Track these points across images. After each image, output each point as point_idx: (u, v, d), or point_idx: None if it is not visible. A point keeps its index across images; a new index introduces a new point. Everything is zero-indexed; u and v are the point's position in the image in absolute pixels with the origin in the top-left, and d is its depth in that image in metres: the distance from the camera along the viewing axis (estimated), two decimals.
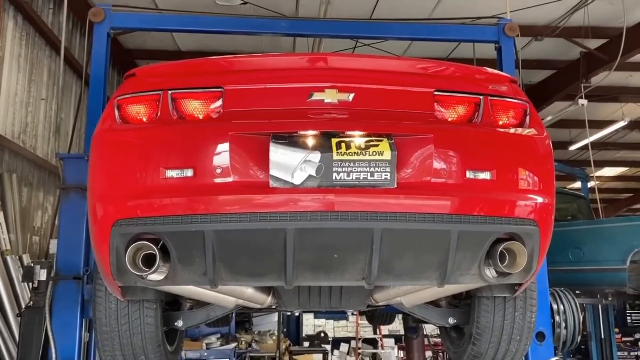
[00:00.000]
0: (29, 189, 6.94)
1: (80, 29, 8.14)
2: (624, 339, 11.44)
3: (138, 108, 2.56)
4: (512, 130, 2.61)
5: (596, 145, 12.86)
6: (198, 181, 2.35)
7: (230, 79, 2.57)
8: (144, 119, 2.54)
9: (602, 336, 8.89)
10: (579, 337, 5.59)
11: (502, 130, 2.60)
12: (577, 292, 6.82)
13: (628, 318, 12.70)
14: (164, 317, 3.16)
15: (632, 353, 11.34)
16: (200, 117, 2.51)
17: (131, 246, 2.36)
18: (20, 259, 5.80)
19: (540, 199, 2.55)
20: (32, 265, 4.65)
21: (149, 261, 2.36)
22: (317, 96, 2.47)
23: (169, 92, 2.52)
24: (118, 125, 2.56)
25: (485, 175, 2.46)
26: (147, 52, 9.78)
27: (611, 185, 19.81)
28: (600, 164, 15.97)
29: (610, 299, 8.36)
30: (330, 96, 2.46)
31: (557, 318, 5.31)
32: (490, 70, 2.88)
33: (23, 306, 5.11)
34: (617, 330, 10.05)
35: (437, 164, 2.41)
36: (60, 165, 4.65)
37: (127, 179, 2.44)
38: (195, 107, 2.52)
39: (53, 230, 5.22)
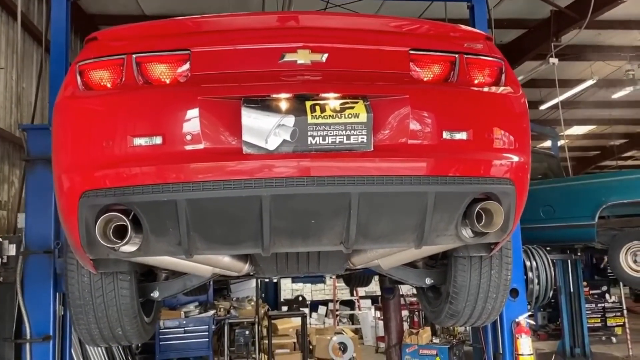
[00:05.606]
0: None
1: None
2: (591, 291, 11.85)
3: (101, 73, 2.44)
4: (488, 89, 2.58)
5: (566, 104, 12.98)
6: (168, 149, 2.27)
7: (198, 40, 2.47)
8: (108, 85, 2.44)
9: (572, 290, 9.18)
10: (551, 292, 5.75)
11: (478, 89, 2.56)
12: (548, 248, 7.00)
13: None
14: (140, 289, 3.12)
15: (599, 305, 11.78)
16: (167, 81, 2.41)
17: (101, 218, 2.28)
18: None
19: (516, 158, 2.54)
20: (0, 240, 4.54)
21: (120, 233, 2.29)
22: (289, 57, 2.39)
23: (133, 56, 2.41)
24: (81, 92, 2.44)
25: (461, 136, 2.43)
26: (110, 17, 9.42)
27: (580, 143, 20.19)
28: (570, 123, 16.21)
29: (579, 254, 8.64)
30: (302, 57, 2.38)
31: (530, 275, 5.44)
32: (465, 27, 2.82)
33: None
34: (585, 283, 10.38)
35: (414, 126, 2.37)
36: (23, 137, 4.51)
37: (93, 148, 2.34)
38: (161, 71, 2.42)
39: (20, 204, 5.07)
